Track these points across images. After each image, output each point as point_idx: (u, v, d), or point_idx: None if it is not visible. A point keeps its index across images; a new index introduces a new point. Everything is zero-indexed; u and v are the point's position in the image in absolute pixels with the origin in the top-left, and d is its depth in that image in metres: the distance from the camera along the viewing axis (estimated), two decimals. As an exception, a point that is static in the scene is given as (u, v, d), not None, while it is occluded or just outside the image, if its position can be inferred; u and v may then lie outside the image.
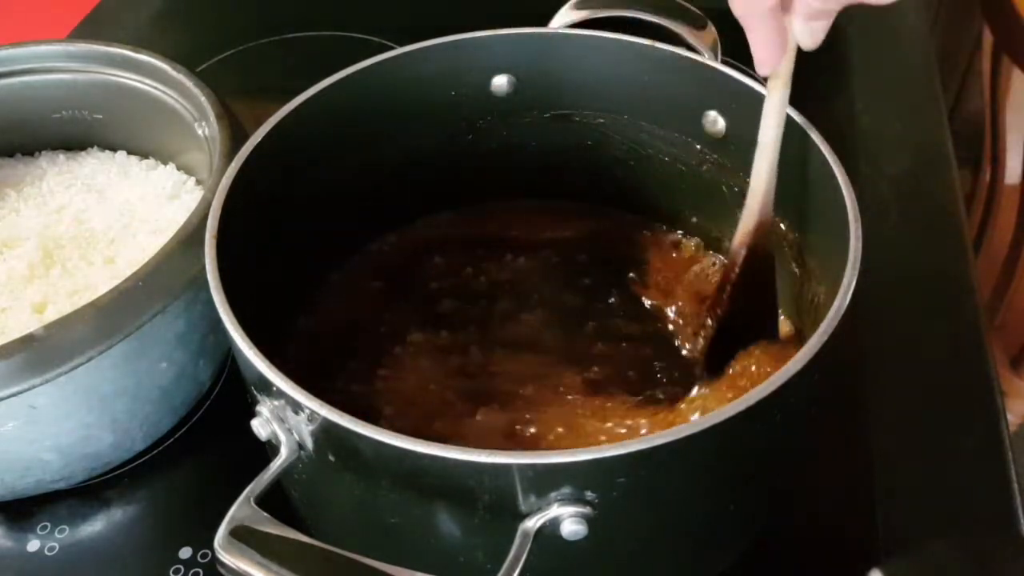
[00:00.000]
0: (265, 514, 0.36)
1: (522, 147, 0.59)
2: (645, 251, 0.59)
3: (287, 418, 0.39)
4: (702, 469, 0.40)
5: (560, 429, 0.50)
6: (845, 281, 0.40)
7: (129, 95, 0.63)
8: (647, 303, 0.56)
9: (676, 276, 0.57)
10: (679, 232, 0.60)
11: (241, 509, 0.36)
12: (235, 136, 0.55)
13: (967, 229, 0.68)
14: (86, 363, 0.47)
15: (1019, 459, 0.53)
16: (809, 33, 0.43)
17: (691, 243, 0.59)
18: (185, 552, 0.51)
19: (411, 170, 0.58)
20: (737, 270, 0.49)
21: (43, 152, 0.67)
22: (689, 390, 0.51)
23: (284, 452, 0.39)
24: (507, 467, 0.35)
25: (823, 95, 0.79)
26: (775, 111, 0.46)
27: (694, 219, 0.59)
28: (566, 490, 0.36)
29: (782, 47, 0.43)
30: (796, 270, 0.52)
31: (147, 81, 0.62)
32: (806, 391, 0.42)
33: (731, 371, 0.49)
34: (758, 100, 0.49)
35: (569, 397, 0.51)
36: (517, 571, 0.35)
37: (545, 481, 0.35)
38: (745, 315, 0.50)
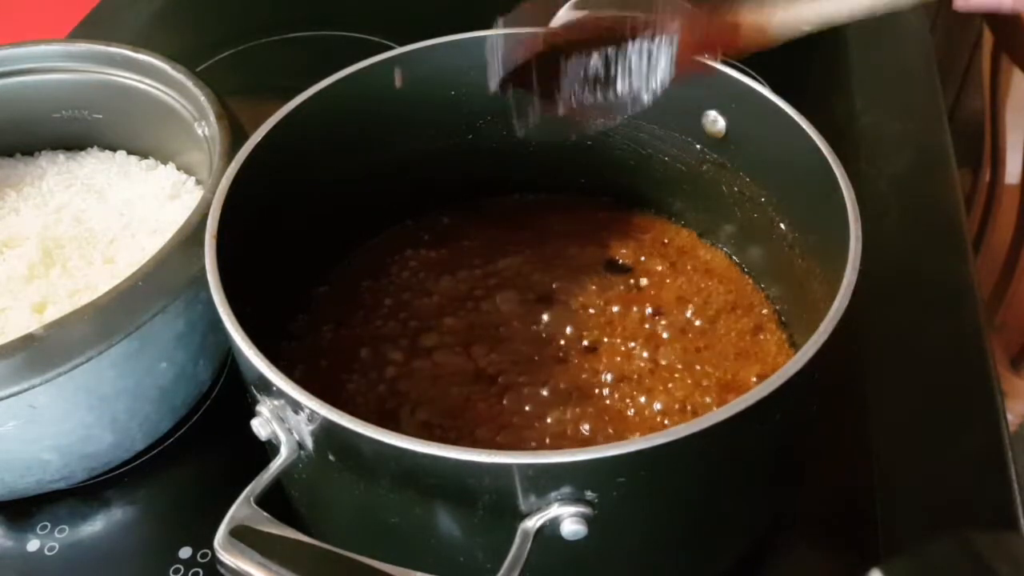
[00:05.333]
0: (265, 514, 0.36)
1: (522, 147, 0.59)
2: (645, 247, 0.59)
3: (287, 418, 0.39)
4: (702, 469, 0.40)
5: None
6: (845, 281, 0.40)
7: (129, 95, 0.63)
8: (648, 305, 0.56)
9: (674, 270, 0.58)
10: (679, 228, 0.60)
11: (241, 509, 0.36)
12: (235, 136, 0.55)
13: (967, 229, 0.68)
14: (86, 363, 0.47)
15: (1019, 459, 0.53)
16: None
17: (692, 240, 0.59)
18: (185, 552, 0.51)
19: (411, 170, 0.58)
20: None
21: (43, 152, 0.67)
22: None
23: (284, 452, 0.39)
24: (507, 467, 0.35)
25: (823, 95, 0.79)
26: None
27: (694, 218, 0.59)
28: (566, 490, 0.36)
29: None
30: (796, 269, 0.52)
31: (147, 81, 0.62)
32: (806, 391, 0.42)
33: None
34: (758, 100, 0.49)
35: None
36: (517, 571, 0.35)
37: (545, 481, 0.35)
38: None
